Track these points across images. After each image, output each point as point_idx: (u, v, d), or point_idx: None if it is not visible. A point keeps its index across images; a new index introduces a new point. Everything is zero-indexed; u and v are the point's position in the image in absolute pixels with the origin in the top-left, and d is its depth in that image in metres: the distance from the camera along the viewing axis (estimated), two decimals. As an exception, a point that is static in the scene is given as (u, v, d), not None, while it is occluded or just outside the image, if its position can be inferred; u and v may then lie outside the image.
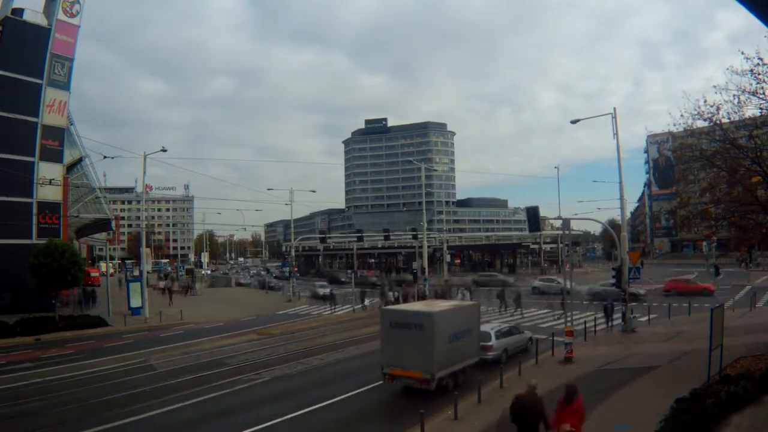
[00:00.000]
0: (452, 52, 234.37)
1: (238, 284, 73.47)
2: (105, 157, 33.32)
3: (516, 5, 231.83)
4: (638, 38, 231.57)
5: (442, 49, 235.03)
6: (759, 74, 16.03)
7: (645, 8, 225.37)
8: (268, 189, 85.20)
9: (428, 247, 55.87)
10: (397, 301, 38.14)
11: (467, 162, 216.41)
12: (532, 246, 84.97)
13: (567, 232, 23.40)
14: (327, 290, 47.55)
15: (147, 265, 50.18)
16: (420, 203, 65.69)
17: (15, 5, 36.02)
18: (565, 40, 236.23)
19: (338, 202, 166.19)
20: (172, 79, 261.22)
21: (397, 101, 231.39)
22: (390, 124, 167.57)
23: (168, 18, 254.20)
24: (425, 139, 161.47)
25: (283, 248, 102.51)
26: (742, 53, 15.95)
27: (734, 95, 17.03)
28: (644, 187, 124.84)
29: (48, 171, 35.52)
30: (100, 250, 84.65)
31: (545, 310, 34.96)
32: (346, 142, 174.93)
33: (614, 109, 25.53)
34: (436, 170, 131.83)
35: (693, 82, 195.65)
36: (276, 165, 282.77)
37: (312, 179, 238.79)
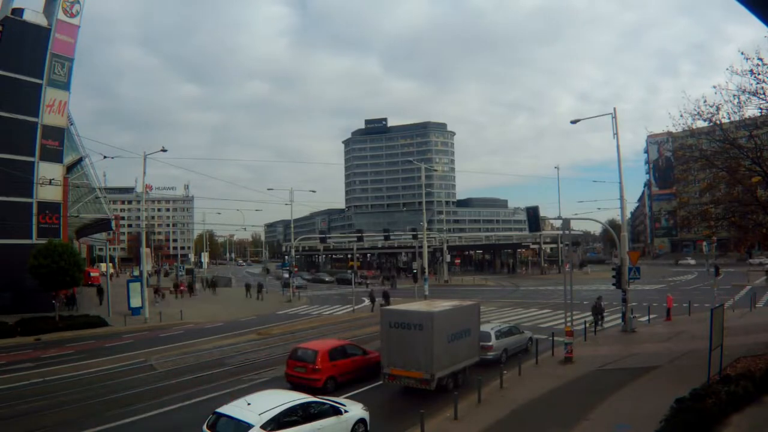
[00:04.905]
0: (481, 60, 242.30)
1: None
2: (105, 157, 33.27)
3: (546, 18, 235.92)
4: (655, 49, 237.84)
5: (472, 58, 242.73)
6: (759, 74, 16.01)
7: (663, 22, 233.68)
8: (268, 189, 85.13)
9: (428, 247, 55.86)
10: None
11: (478, 163, 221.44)
12: (532, 246, 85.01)
13: (567, 232, 23.36)
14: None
15: (147, 265, 50.14)
16: (420, 203, 65.67)
17: (15, 5, 35.98)
18: (588, 51, 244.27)
19: (338, 202, 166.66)
20: (208, 83, 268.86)
21: (425, 105, 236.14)
22: (394, 124, 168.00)
23: (214, 25, 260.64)
24: (425, 139, 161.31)
25: (283, 248, 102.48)
26: (742, 53, 15.93)
27: (734, 95, 17.02)
28: (644, 187, 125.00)
29: (48, 171, 35.48)
30: (100, 250, 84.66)
31: (546, 310, 34.96)
32: (346, 142, 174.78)
33: (614, 109, 25.55)
34: (436, 170, 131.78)
35: (704, 89, 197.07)
36: (287, 166, 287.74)
37: (325, 179, 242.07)
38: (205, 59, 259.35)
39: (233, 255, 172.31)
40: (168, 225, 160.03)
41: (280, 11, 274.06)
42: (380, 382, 16.38)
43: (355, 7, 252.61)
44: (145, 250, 43.75)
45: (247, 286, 55.17)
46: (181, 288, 55.00)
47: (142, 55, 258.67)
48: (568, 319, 19.73)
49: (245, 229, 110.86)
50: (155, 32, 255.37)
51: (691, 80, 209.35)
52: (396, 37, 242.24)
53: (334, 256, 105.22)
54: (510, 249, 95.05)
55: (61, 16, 36.71)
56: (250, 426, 10.24)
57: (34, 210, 35.56)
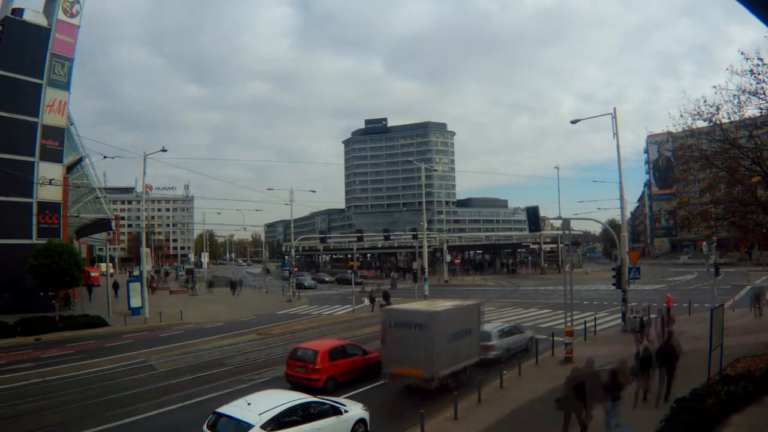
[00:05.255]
0: (483, 61, 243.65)
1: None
2: (105, 157, 33.31)
3: (549, 20, 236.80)
4: (657, 50, 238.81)
5: (474, 58, 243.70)
6: (759, 74, 16.02)
7: (665, 23, 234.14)
8: (268, 189, 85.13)
9: (428, 247, 55.86)
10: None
11: (479, 163, 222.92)
12: (532, 246, 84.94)
13: (567, 232, 23.35)
14: None
15: (147, 265, 50.17)
16: (420, 203, 65.66)
17: (15, 5, 35.98)
18: (590, 52, 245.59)
19: (338, 202, 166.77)
20: (210, 83, 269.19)
21: (427, 106, 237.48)
22: (395, 123, 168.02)
23: (217, 26, 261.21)
24: (425, 139, 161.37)
25: (283, 248, 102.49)
26: (742, 53, 15.94)
27: (734, 95, 17.03)
28: (644, 187, 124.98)
29: (48, 171, 35.47)
30: (100, 250, 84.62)
31: (546, 310, 34.95)
32: (346, 142, 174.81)
33: (614, 109, 25.56)
34: (436, 170, 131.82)
35: (705, 90, 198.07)
36: (288, 166, 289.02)
37: (325, 179, 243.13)
38: (208, 60, 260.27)
39: (233, 255, 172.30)
40: (168, 225, 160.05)
41: (283, 12, 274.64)
42: (380, 382, 16.41)
43: (358, 8, 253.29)
44: (145, 250, 43.75)
45: (233, 285, 55.38)
46: (152, 285, 55.20)
47: (145, 55, 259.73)
48: (568, 319, 19.72)
49: (245, 229, 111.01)
50: (158, 33, 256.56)
51: (693, 81, 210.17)
52: (399, 38, 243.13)
53: (334, 256, 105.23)
54: (510, 249, 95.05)
55: (61, 16, 36.69)
56: (250, 426, 10.27)
57: (34, 210, 35.54)
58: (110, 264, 64.97)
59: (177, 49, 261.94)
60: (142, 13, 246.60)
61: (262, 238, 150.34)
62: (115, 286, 41.68)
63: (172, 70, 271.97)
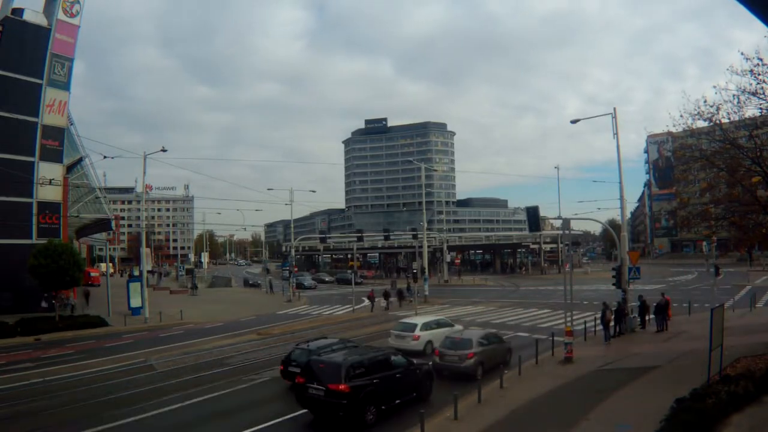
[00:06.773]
0: (491, 63, 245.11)
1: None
2: (105, 157, 33.32)
3: (557, 24, 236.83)
4: (661, 53, 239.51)
5: (482, 61, 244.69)
6: (759, 74, 15.98)
7: (670, 26, 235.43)
8: (268, 189, 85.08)
9: (428, 247, 55.85)
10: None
11: (485, 163, 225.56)
12: (532, 246, 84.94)
13: (567, 232, 23.32)
14: None
15: (147, 265, 50.15)
16: (420, 203, 65.64)
17: (15, 5, 36.01)
18: (597, 55, 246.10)
19: (338, 202, 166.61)
20: (219, 84, 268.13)
21: (434, 107, 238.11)
22: (396, 123, 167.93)
23: (229, 29, 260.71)
24: (425, 139, 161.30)
25: (283, 248, 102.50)
26: (742, 53, 15.90)
27: (734, 95, 16.99)
28: (644, 187, 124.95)
29: (48, 171, 35.49)
30: (100, 250, 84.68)
31: (546, 310, 34.97)
32: (346, 142, 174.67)
33: (614, 109, 25.50)
34: (436, 170, 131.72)
35: (708, 92, 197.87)
36: (292, 166, 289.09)
37: (329, 180, 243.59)
38: (221, 62, 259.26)
39: (233, 255, 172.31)
40: (168, 225, 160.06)
41: (297, 15, 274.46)
42: None
43: (370, 11, 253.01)
44: (145, 250, 43.74)
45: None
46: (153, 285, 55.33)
47: (157, 56, 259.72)
48: (568, 319, 19.72)
49: (245, 229, 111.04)
50: (172, 35, 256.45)
51: (697, 83, 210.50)
52: (409, 40, 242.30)
53: (334, 256, 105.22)
54: (510, 249, 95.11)
55: (61, 16, 36.72)
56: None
57: (34, 210, 35.57)
58: (110, 264, 64.97)
59: (189, 51, 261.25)
60: (156, 15, 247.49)
61: (262, 238, 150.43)
62: (86, 294, 41.26)
63: (183, 72, 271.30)
